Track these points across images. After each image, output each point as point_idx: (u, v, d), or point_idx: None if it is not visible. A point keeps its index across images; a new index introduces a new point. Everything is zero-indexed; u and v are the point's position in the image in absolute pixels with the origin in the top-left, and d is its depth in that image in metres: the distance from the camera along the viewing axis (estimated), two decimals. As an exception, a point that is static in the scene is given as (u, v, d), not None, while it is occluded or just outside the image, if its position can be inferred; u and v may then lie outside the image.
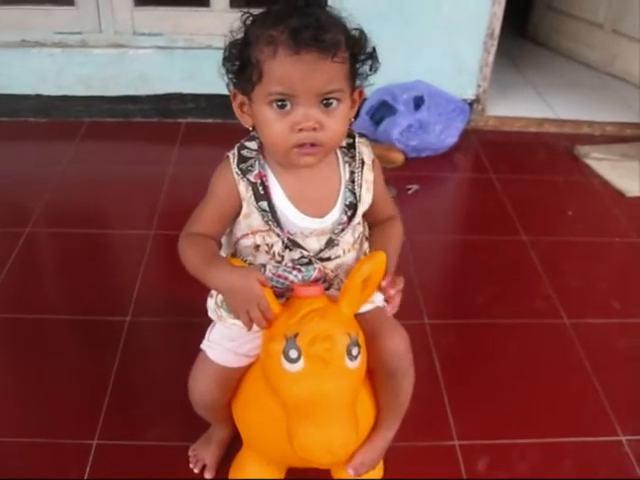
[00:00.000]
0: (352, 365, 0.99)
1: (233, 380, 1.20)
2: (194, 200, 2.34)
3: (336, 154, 1.09)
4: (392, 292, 1.05)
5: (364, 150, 1.10)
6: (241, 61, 0.98)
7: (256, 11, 0.98)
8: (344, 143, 1.09)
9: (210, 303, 1.20)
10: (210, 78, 2.63)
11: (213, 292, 1.19)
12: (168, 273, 1.92)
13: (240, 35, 0.98)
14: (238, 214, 1.07)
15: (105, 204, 2.28)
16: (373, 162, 1.11)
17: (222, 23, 2.57)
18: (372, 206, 1.11)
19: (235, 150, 1.06)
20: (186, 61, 2.64)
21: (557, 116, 2.94)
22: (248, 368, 1.20)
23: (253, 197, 1.04)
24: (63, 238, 2.08)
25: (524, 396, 1.61)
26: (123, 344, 1.66)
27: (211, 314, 1.22)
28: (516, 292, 1.96)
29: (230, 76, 1.01)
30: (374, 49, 1.00)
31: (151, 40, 2.58)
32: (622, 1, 3.28)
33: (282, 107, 0.95)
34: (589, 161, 2.67)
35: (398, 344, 1.13)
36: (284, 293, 1.08)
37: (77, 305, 1.80)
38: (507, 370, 1.68)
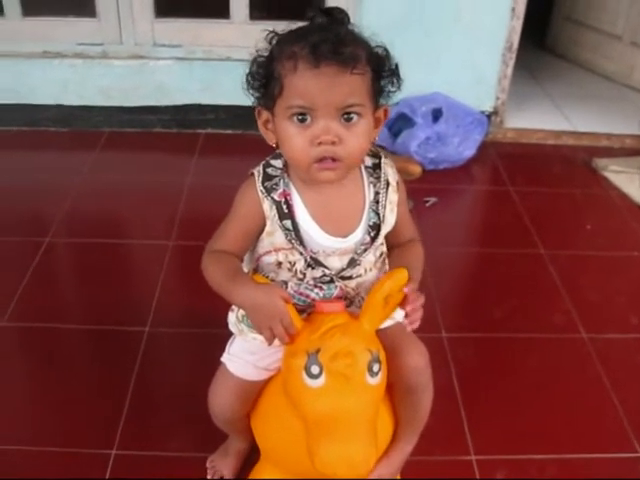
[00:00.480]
0: (373, 381, 0.99)
1: (253, 393, 1.21)
2: (213, 211, 2.35)
3: (361, 174, 1.09)
4: (410, 305, 1.02)
5: (389, 171, 1.10)
6: (264, 76, 0.99)
7: (281, 29, 0.99)
8: (370, 163, 1.09)
9: (231, 317, 1.21)
10: (229, 89, 2.70)
11: (234, 306, 1.20)
12: (187, 284, 1.94)
13: (265, 53, 0.99)
14: (262, 231, 1.08)
15: (125, 214, 2.31)
16: (398, 184, 1.10)
17: (242, 35, 2.63)
18: (394, 228, 1.11)
19: (260, 168, 1.07)
20: (205, 72, 2.66)
21: (575, 128, 2.94)
22: (268, 381, 1.21)
23: (277, 216, 1.04)
24: (83, 247, 2.10)
25: (542, 411, 1.60)
26: (142, 354, 1.67)
27: (232, 327, 1.22)
28: (534, 306, 1.96)
29: (253, 92, 1.02)
30: (397, 66, 1.00)
31: (171, 51, 2.61)
32: (641, 13, 3.27)
33: (302, 121, 0.95)
34: (607, 174, 2.66)
35: (418, 360, 1.13)
36: (305, 310, 1.09)
37: (96, 315, 1.81)
38: (525, 385, 1.67)
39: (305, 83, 0.93)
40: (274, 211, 1.04)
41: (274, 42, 0.98)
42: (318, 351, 0.97)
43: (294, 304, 1.02)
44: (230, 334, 1.23)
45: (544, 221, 2.34)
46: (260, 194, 1.04)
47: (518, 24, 2.63)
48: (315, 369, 0.97)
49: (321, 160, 0.97)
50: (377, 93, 0.99)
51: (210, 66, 2.64)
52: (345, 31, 0.95)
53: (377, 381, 1.00)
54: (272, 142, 1.04)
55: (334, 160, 0.97)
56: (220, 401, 1.22)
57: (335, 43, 0.91)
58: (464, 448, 1.47)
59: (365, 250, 1.08)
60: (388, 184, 1.09)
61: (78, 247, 2.11)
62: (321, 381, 0.97)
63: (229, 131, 2.80)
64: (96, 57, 2.64)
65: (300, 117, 0.95)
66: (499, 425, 1.55)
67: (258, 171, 1.06)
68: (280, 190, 1.04)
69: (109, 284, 1.94)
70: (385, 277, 1.02)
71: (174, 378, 1.63)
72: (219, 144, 2.74)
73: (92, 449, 1.43)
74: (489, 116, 2.82)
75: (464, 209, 2.57)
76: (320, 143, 0.95)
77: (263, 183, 1.05)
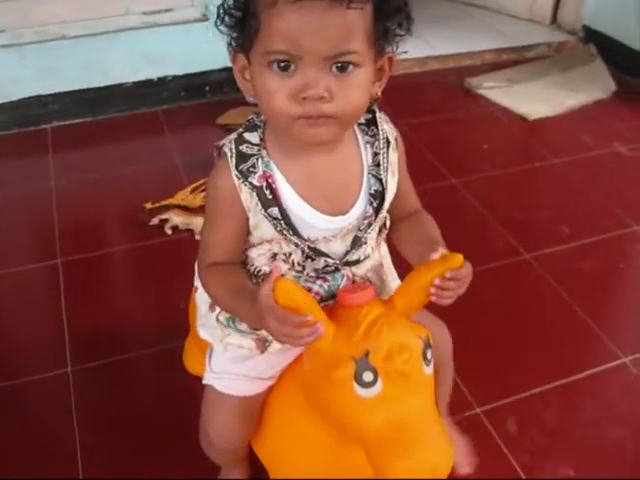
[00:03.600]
0: (429, 370, 0.84)
1: (254, 411, 1.02)
2: (93, 212, 2.03)
3: (354, 133, 0.89)
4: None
5: (386, 127, 0.91)
6: (239, 10, 0.77)
7: None
8: (363, 120, 0.90)
9: (210, 320, 1.00)
10: (71, 72, 2.35)
11: (215, 306, 0.98)
12: (95, 302, 1.65)
13: None
14: (246, 227, 0.88)
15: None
16: (396, 140, 0.92)
17: (76, 7, 2.27)
18: (398, 196, 0.93)
19: (232, 145, 0.85)
20: (39, 57, 2.26)
21: (437, 52, 2.89)
22: (269, 395, 1.02)
23: (260, 205, 0.84)
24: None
25: (520, 344, 1.55)
26: (75, 398, 1.39)
27: (206, 335, 1.01)
28: (469, 238, 1.85)
29: (227, 31, 0.80)
30: (406, 2, 0.79)
31: (-7, 39, 2.19)
32: None
33: (285, 69, 0.75)
34: (482, 91, 2.64)
35: (445, 336, 1.07)
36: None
37: (2, 369, 1.48)
38: (493, 322, 1.60)
39: (286, 22, 0.72)
40: (255, 199, 0.84)
41: None
42: (367, 354, 0.79)
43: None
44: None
45: (444, 150, 2.28)
46: (236, 180, 0.84)
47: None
48: (368, 376, 0.79)
49: (307, 117, 0.77)
50: (380, 36, 0.78)
51: (44, 49, 2.24)
52: None
53: (432, 368, 0.85)
54: (249, 94, 0.83)
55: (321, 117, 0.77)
56: (219, 429, 1.01)
57: None
58: (467, 404, 1.38)
59: (369, 225, 0.90)
60: (388, 142, 0.90)
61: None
62: (378, 388, 0.79)
63: (79, 120, 2.43)
64: None
65: (282, 64, 0.75)
66: (488, 371, 1.47)
67: (230, 149, 0.85)
68: (259, 172, 0.84)
69: (2, 327, 1.60)
70: (438, 261, 0.83)
71: (124, 412, 1.37)
72: (71, 136, 2.36)
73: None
74: (354, 54, 2.69)
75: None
76: (305, 98, 0.75)
77: (237, 166, 0.84)
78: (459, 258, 0.82)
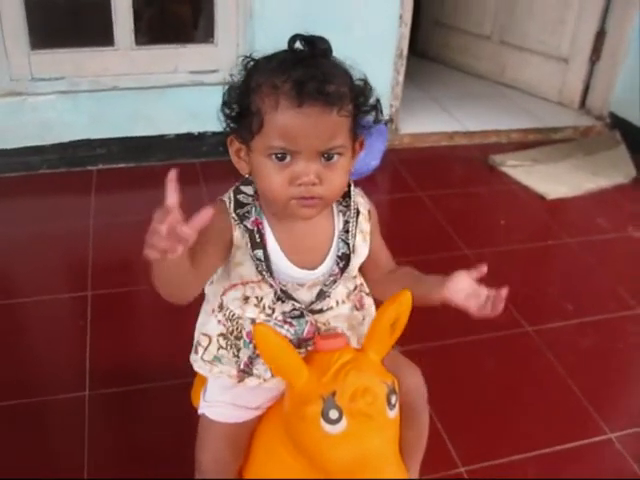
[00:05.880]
0: (392, 414, 0.93)
1: (242, 440, 1.11)
2: (126, 251, 2.18)
3: None
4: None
5: (359, 200, 1.05)
6: (240, 108, 0.93)
7: (256, 54, 0.93)
8: None
9: (196, 358, 1.11)
10: (119, 121, 2.54)
11: (199, 348, 1.10)
12: (119, 335, 1.77)
13: (240, 79, 0.93)
14: (220, 262, 1.00)
15: (26, 269, 2.06)
16: (369, 212, 1.06)
17: (128, 62, 2.48)
18: (371, 259, 1.07)
19: (231, 194, 1.00)
20: (92, 104, 2.48)
21: (465, 128, 3.03)
22: (256, 429, 1.11)
23: (249, 245, 0.98)
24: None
25: (510, 410, 1.62)
26: (88, 421, 1.50)
27: (199, 368, 1.12)
28: (473, 306, 1.97)
29: (228, 122, 0.95)
30: (378, 100, 0.96)
31: (52, 85, 2.40)
32: (507, 13, 3.43)
33: (282, 159, 0.90)
34: (505, 169, 2.75)
35: (417, 380, 1.13)
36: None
37: (24, 387, 1.60)
38: (488, 387, 1.67)
39: (287, 123, 0.88)
40: (246, 240, 0.98)
41: (250, 69, 0.92)
42: (334, 394, 0.89)
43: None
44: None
45: (460, 222, 2.38)
46: (232, 221, 0.98)
47: (406, 31, 2.67)
48: (334, 414, 0.89)
49: (300, 197, 0.92)
50: (356, 126, 0.94)
51: (96, 97, 2.46)
52: (329, 65, 0.90)
53: (395, 413, 0.94)
54: (245, 172, 0.99)
55: (312, 198, 0.92)
56: (210, 456, 1.10)
57: (321, 81, 0.86)
58: (451, 462, 1.44)
59: (334, 281, 1.03)
60: (358, 212, 1.04)
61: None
62: (342, 425, 0.89)
63: (122, 165, 2.63)
64: (-33, 98, 2.38)
65: (279, 156, 0.90)
66: (476, 433, 1.53)
67: (229, 198, 1.00)
68: (252, 218, 0.99)
69: (30, 349, 1.73)
70: (388, 302, 0.95)
71: (130, 440, 1.48)
72: (115, 179, 2.55)
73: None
74: (385, 124, 2.84)
75: (383, 220, 2.54)
76: (300, 184, 0.91)
77: (235, 210, 0.98)
78: (406, 293, 0.95)
